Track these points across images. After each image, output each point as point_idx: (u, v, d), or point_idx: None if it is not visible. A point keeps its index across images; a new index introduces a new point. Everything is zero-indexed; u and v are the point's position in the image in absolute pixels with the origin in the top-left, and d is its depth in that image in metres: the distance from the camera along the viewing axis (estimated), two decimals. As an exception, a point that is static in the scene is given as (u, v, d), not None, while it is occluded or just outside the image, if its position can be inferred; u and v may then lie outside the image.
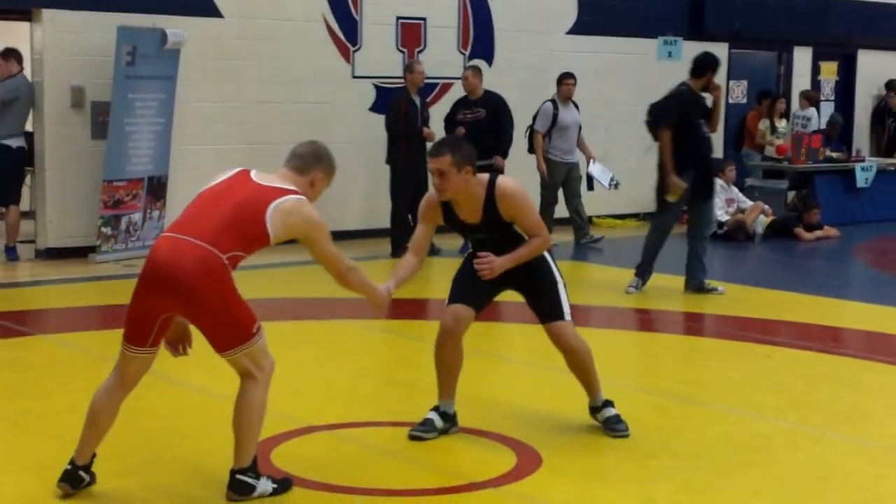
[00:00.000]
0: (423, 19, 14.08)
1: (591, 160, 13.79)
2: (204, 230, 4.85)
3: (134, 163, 11.76)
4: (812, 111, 16.83)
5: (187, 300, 4.83)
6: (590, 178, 13.90)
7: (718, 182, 14.59)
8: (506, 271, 5.77)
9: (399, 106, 12.52)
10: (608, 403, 6.14)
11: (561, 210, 14.29)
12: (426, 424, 5.99)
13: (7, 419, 6.40)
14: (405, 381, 7.52)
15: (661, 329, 9.20)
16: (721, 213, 14.46)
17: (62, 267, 11.40)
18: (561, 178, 13.47)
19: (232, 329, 4.90)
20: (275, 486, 5.11)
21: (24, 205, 12.27)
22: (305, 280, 10.53)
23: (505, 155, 12.79)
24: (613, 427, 6.07)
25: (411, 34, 14.00)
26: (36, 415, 6.45)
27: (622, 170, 15.80)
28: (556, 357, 8.10)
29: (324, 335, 8.76)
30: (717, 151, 16.85)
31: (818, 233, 14.49)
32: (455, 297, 5.95)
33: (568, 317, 5.91)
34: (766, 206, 14.57)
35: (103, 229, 11.58)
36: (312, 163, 5.20)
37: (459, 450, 5.89)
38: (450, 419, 6.05)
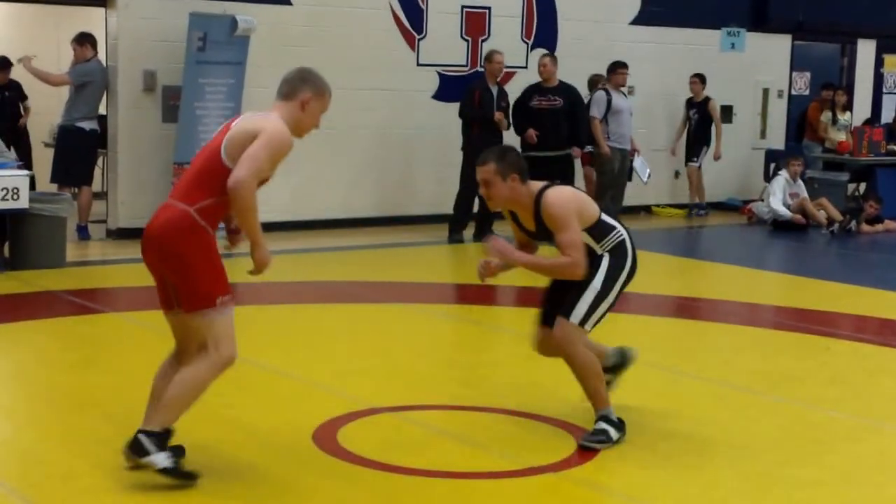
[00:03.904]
0: (488, 8, 14.15)
1: (636, 153, 14.12)
2: (179, 189, 4.97)
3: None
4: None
5: (159, 256, 4.90)
6: (631, 170, 14.20)
7: (783, 176, 14.61)
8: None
9: (472, 93, 12.68)
10: (602, 418, 5.70)
11: (630, 199, 14.44)
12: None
13: (81, 393, 6.58)
14: (465, 364, 7.61)
15: (720, 319, 9.23)
16: (781, 206, 14.45)
17: (132, 247, 11.48)
18: (617, 165, 13.69)
19: (196, 289, 4.85)
20: (170, 466, 4.89)
21: (97, 186, 12.51)
22: (367, 264, 10.68)
23: (583, 146, 12.98)
24: (587, 437, 5.68)
25: (476, 23, 14.09)
26: (108, 390, 6.61)
27: (684, 160, 15.87)
28: (618, 344, 8.21)
29: (384, 318, 8.87)
30: (779, 143, 16.88)
31: (879, 227, 14.44)
32: (541, 316, 5.87)
33: (574, 318, 5.54)
34: (825, 209, 14.54)
35: (172, 211, 11.77)
36: (299, 84, 5.09)
37: (520, 434, 5.95)
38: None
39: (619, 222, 5.78)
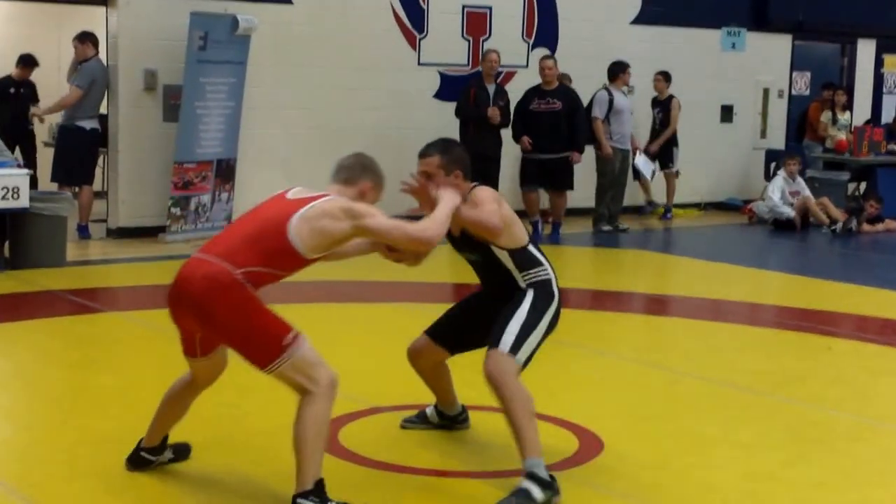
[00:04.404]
0: (489, 8, 14.16)
1: (637, 151, 14.12)
2: (221, 247, 4.66)
3: (204, 145, 11.93)
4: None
5: (200, 318, 4.62)
6: (635, 169, 14.20)
7: (781, 175, 14.62)
8: (487, 310, 5.32)
9: (468, 92, 12.72)
10: (529, 476, 4.91)
11: (630, 198, 14.45)
12: (419, 416, 5.94)
13: (82, 393, 6.58)
14: (465, 363, 7.57)
15: (721, 318, 9.22)
16: (783, 203, 14.44)
17: (132, 246, 11.60)
18: (617, 165, 13.71)
19: (258, 344, 4.57)
20: None
21: (97, 185, 12.51)
22: (367, 263, 10.64)
23: (581, 150, 13.00)
24: (504, 501, 4.88)
25: (477, 22, 14.09)
26: (109, 389, 6.62)
27: (684, 160, 15.87)
28: (619, 344, 8.21)
29: (384, 318, 8.86)
30: (779, 143, 16.88)
31: (880, 226, 14.44)
32: (431, 327, 5.66)
33: (503, 347, 5.03)
34: (827, 209, 14.51)
35: (173, 210, 11.76)
36: (359, 173, 4.99)
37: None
38: (448, 419, 5.91)
39: (547, 261, 5.35)
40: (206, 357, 4.84)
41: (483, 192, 5.21)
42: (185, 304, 4.62)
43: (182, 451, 5.24)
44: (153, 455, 5.13)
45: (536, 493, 4.85)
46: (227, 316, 4.54)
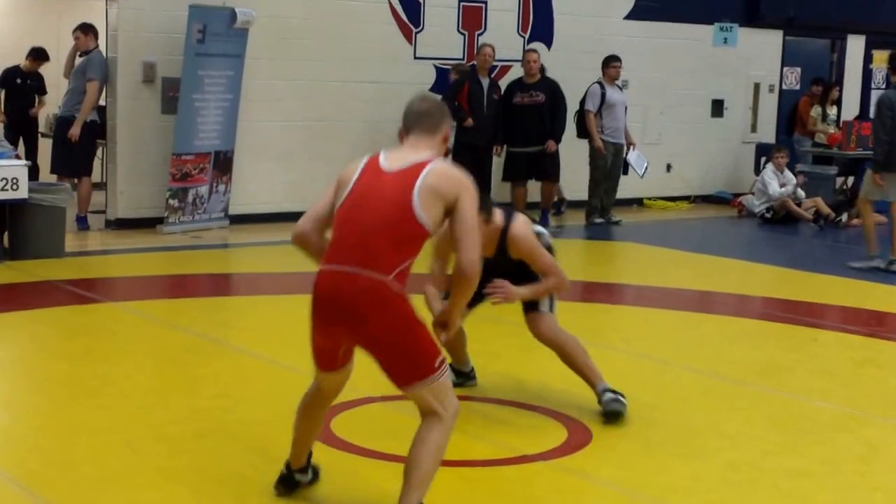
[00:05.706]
0: (485, 2, 14.23)
1: (632, 146, 14.19)
2: (358, 254, 4.35)
3: (202, 137, 11.98)
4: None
5: (362, 333, 4.40)
6: (626, 164, 14.29)
7: (770, 168, 14.73)
8: (488, 277, 5.63)
9: (460, 84, 12.83)
10: (606, 390, 6.06)
11: (622, 191, 14.52)
12: None
13: (78, 383, 6.61)
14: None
15: (708, 310, 9.31)
16: (779, 189, 14.53)
17: (131, 237, 11.63)
18: (610, 159, 13.78)
19: (411, 361, 4.40)
20: None
21: (96, 176, 12.56)
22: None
23: (558, 140, 13.11)
24: (607, 408, 6.01)
25: (472, 16, 14.17)
26: (106, 379, 6.64)
27: (675, 153, 16.00)
28: (609, 335, 8.31)
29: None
30: (769, 137, 16.97)
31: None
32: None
33: (544, 308, 6.07)
34: (820, 201, 14.63)
35: (171, 201, 11.83)
36: (441, 117, 4.67)
37: (512, 423, 6.01)
38: (463, 375, 6.49)
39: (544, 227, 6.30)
40: (343, 368, 4.67)
41: (526, 243, 5.89)
42: (343, 320, 4.40)
43: (317, 472, 5.06)
44: (304, 475, 4.94)
45: (621, 399, 6.02)
46: (388, 329, 4.36)
